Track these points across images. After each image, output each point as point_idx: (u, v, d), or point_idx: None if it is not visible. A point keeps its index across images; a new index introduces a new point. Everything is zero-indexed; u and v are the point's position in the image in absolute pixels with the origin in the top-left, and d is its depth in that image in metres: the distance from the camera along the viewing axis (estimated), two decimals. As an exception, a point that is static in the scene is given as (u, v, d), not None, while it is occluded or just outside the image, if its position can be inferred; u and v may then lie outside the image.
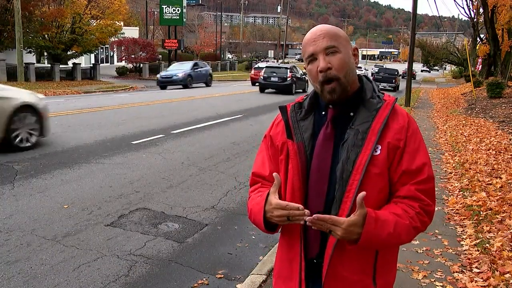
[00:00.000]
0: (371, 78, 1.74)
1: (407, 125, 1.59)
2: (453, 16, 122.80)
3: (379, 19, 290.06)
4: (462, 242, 4.88)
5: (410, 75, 21.18)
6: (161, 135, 10.80)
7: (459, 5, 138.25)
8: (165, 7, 45.64)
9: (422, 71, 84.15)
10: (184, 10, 46.79)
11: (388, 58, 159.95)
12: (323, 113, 1.67)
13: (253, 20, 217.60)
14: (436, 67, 74.95)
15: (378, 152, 1.55)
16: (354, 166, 1.54)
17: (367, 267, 1.60)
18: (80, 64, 33.61)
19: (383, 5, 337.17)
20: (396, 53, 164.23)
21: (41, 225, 5.09)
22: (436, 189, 6.41)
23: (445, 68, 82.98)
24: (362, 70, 57.21)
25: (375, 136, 1.55)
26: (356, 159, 1.54)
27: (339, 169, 1.56)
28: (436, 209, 6.08)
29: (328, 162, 1.60)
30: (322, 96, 1.64)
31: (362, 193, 1.46)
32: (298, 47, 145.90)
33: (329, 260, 1.58)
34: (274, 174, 1.61)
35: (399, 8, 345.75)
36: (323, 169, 1.60)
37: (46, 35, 31.94)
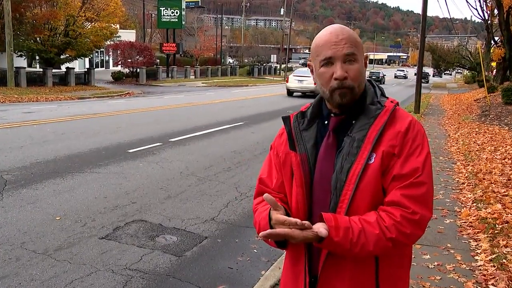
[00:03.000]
0: (373, 81, 1.75)
1: (405, 130, 1.58)
2: (465, 18, 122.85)
3: (387, 21, 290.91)
4: (476, 257, 4.84)
5: (420, 80, 21.18)
6: (158, 143, 10.81)
7: (472, 6, 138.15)
8: (163, 10, 45.87)
9: (433, 76, 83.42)
10: (183, 13, 47.01)
11: (397, 62, 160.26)
12: (326, 122, 1.70)
13: (255, 23, 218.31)
14: (449, 71, 74.80)
15: (372, 160, 1.56)
16: (348, 175, 1.56)
17: (368, 283, 1.60)
18: (74, 68, 33.68)
19: (391, 7, 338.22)
20: (405, 57, 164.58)
21: (31, 238, 5.08)
22: (447, 200, 6.35)
23: (457, 73, 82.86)
24: None
25: (370, 145, 1.56)
26: (350, 168, 1.56)
27: (333, 179, 1.59)
28: (447, 221, 6.03)
29: (330, 172, 1.62)
30: (331, 100, 1.65)
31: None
32: (302, 51, 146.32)
33: (321, 271, 1.61)
34: (265, 195, 1.58)
35: (408, 10, 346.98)
36: (326, 179, 1.62)
37: (38, 38, 31.94)
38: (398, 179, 1.54)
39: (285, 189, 1.74)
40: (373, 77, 53.93)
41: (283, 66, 65.31)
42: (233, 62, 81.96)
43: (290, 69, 75.16)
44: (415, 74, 22.62)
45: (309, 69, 1.75)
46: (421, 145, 1.59)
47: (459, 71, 72.11)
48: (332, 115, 1.68)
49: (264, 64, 70.09)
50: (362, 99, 1.65)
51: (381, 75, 57.99)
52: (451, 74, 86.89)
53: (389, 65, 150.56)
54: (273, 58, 62.19)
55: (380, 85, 1.76)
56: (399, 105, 1.71)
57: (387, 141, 1.57)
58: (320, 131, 1.70)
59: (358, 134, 1.59)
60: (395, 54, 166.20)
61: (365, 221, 1.53)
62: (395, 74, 72.10)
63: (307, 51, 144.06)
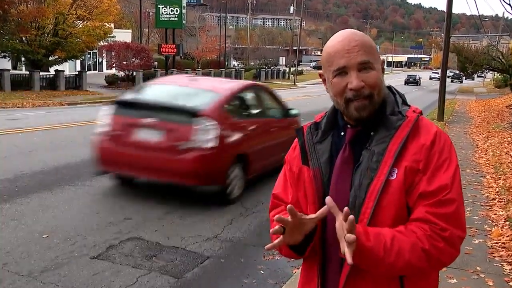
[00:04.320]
0: (394, 88, 1.74)
1: (431, 143, 1.58)
2: (496, 15, 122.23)
3: (407, 20, 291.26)
4: (511, 283, 4.78)
5: (444, 84, 21.14)
6: (156, 154, 10.80)
7: (504, 1, 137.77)
8: (162, 7, 46.13)
9: (452, 80, 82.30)
10: (184, 11, 47.24)
11: (418, 65, 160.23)
12: (342, 133, 1.70)
13: (261, 22, 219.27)
14: (479, 74, 74.65)
15: (394, 176, 1.56)
16: (367, 192, 1.56)
17: None
18: (63, 71, 33.79)
19: (412, 4, 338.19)
20: (427, 59, 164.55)
21: (14, 258, 5.08)
22: (475, 217, 6.29)
23: (480, 76, 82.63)
24: None
25: (391, 159, 1.56)
26: (369, 184, 1.57)
27: (351, 196, 1.60)
28: (476, 241, 5.97)
29: (346, 189, 1.62)
30: (346, 113, 1.65)
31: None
32: (313, 53, 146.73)
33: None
34: (276, 216, 1.56)
35: (430, 7, 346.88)
36: (341, 197, 1.62)
37: (24, 38, 31.99)
38: (424, 197, 1.54)
39: (302, 206, 1.75)
40: (410, 79, 64.41)
41: (292, 69, 65.48)
42: (238, 65, 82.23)
43: (300, 73, 75.41)
44: (431, 78, 22.63)
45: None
46: (449, 159, 1.58)
47: (484, 74, 72.01)
48: (348, 126, 1.68)
49: (272, 67, 70.26)
50: (381, 108, 1.65)
51: (417, 77, 66.11)
52: (483, 77, 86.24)
53: (409, 68, 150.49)
54: (282, 60, 62.31)
55: (401, 92, 1.75)
56: (423, 114, 1.70)
57: (410, 155, 1.57)
58: (335, 143, 1.71)
59: (378, 148, 1.59)
60: (416, 56, 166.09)
61: (395, 229, 1.53)
62: (405, 79, 67.14)
63: (318, 53, 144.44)
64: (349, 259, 1.41)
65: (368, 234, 1.49)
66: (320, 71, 1.73)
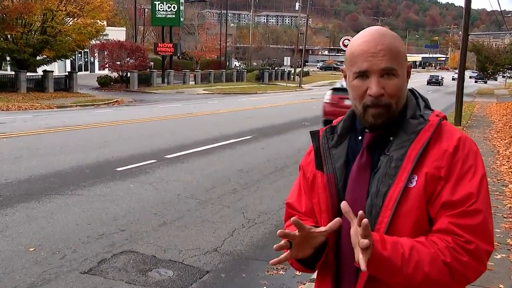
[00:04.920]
0: (417, 91, 1.74)
1: (454, 149, 1.57)
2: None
3: (421, 17, 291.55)
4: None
5: (461, 86, 21.11)
6: (152, 161, 10.83)
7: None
8: (158, 4, 46.37)
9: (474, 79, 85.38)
10: (182, 8, 47.47)
11: (433, 65, 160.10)
12: (359, 138, 1.70)
13: (265, 20, 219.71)
14: (503, 75, 74.64)
15: (413, 183, 1.55)
16: (385, 200, 1.56)
17: None
18: (52, 72, 33.91)
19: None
20: (443, 59, 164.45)
21: None
22: (497, 230, 6.26)
23: (505, 76, 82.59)
24: None
25: (411, 165, 1.55)
26: (387, 192, 1.57)
27: (368, 204, 1.60)
28: (498, 256, 5.94)
29: (363, 196, 1.62)
30: (362, 119, 1.66)
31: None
32: (320, 53, 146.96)
33: None
34: (293, 218, 1.54)
35: (447, 2, 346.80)
36: (357, 204, 1.61)
37: (9, 36, 31.95)
38: (448, 207, 1.53)
39: (316, 216, 1.75)
40: (432, 80, 69.76)
41: (298, 70, 65.52)
42: (239, 65, 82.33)
43: (306, 74, 75.45)
44: (454, 79, 22.74)
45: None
46: (474, 166, 1.57)
47: (507, 75, 71.88)
48: (366, 130, 1.68)
49: (276, 68, 70.31)
50: (402, 112, 1.66)
51: (440, 77, 71.08)
52: (510, 78, 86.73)
53: (424, 68, 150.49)
54: (287, 61, 62.24)
55: (424, 96, 1.75)
56: (446, 118, 1.69)
57: (431, 161, 1.56)
58: (351, 148, 1.71)
59: (397, 153, 1.59)
60: (431, 55, 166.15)
61: (415, 240, 1.52)
62: (428, 80, 72.34)
63: (326, 52, 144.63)
64: (362, 266, 1.40)
65: (385, 243, 1.48)
66: (343, 67, 1.74)
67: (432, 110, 1.70)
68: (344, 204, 1.49)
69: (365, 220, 1.40)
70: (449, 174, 1.55)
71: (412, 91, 1.74)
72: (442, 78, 72.13)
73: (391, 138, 1.63)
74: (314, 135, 1.81)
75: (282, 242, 1.55)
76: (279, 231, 1.52)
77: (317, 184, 1.74)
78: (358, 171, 1.66)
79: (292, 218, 1.52)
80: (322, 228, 1.57)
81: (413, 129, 1.61)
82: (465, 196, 1.52)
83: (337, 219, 1.54)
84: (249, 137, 14.97)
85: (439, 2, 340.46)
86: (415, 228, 1.55)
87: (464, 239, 1.50)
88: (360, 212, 1.43)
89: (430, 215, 1.56)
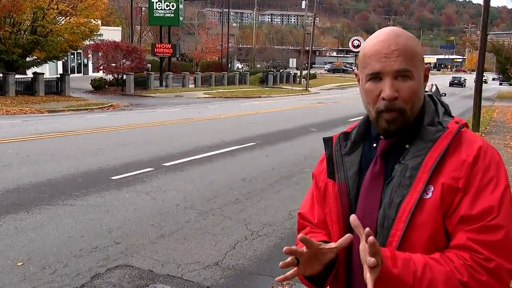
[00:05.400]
0: (437, 97, 1.73)
1: (474, 159, 1.55)
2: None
3: (436, 15, 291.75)
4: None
5: (479, 89, 21.08)
6: (149, 169, 10.84)
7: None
8: (156, 2, 46.50)
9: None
10: (181, 6, 47.63)
11: (449, 67, 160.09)
12: (374, 145, 1.70)
13: (269, 19, 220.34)
14: None
15: (429, 195, 1.54)
16: (398, 212, 1.56)
17: None
18: (43, 74, 33.93)
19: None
20: (460, 60, 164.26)
21: (-12, 287, 5.07)
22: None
23: None
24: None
25: (427, 175, 1.55)
26: (400, 203, 1.56)
27: (380, 215, 1.59)
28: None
29: (375, 207, 1.62)
30: (376, 124, 1.67)
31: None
32: (328, 54, 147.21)
33: None
34: (300, 236, 1.55)
35: (464, 0, 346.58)
36: (369, 216, 1.62)
37: (-4, 36, 32.06)
38: (466, 221, 1.51)
39: (329, 227, 1.76)
40: (455, 81, 73.86)
41: (304, 72, 65.54)
42: (242, 67, 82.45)
43: (313, 77, 75.48)
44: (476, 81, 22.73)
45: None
46: (496, 178, 1.55)
47: None
48: (381, 137, 1.68)
49: (281, 70, 70.35)
50: (419, 118, 1.65)
51: (462, 79, 75.81)
52: None
53: (439, 70, 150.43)
54: (292, 62, 62.18)
55: (445, 102, 1.74)
56: (468, 126, 1.68)
57: (449, 171, 1.55)
58: (365, 156, 1.72)
59: (412, 162, 1.58)
60: (447, 56, 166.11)
61: (428, 256, 1.50)
62: (450, 81, 76.14)
63: (334, 53, 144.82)
64: (369, 285, 1.40)
65: (396, 260, 1.47)
66: (356, 70, 1.75)
67: (452, 116, 1.69)
68: (353, 218, 1.48)
69: (371, 238, 1.39)
70: (468, 186, 1.53)
71: (431, 96, 1.73)
72: (465, 79, 75.79)
73: (406, 146, 1.63)
74: (327, 141, 1.82)
75: (289, 259, 1.55)
76: (285, 248, 1.52)
77: (329, 193, 1.75)
78: (371, 180, 1.66)
79: (299, 236, 1.52)
80: (332, 245, 1.57)
81: (430, 137, 1.60)
82: (486, 209, 1.50)
83: (348, 235, 1.54)
84: (252, 143, 14.97)
85: (456, 0, 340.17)
86: (430, 242, 1.54)
87: (484, 256, 1.47)
88: (367, 229, 1.42)
89: (447, 230, 1.54)
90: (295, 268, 1.56)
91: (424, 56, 1.66)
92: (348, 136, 1.78)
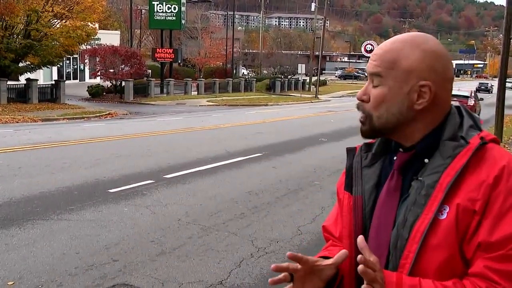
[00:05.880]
0: (466, 109, 1.69)
1: (495, 179, 1.50)
2: None
3: (455, 18, 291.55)
4: None
5: (502, 97, 20.99)
6: (149, 181, 10.85)
7: None
8: (157, 4, 46.71)
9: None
10: (183, 9, 47.83)
11: (469, 73, 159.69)
12: (395, 158, 1.71)
13: (276, 23, 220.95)
14: None
15: (444, 215, 1.52)
16: (411, 232, 1.55)
17: None
18: (37, 80, 34.09)
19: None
20: (481, 65, 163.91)
21: (-23, 307, 5.07)
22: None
23: None
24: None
25: (442, 194, 1.53)
26: (414, 222, 1.55)
27: (393, 235, 1.60)
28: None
29: (390, 225, 1.62)
30: None
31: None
32: (339, 59, 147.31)
33: None
34: (288, 253, 1.58)
35: (485, 1, 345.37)
36: (383, 232, 1.63)
37: (-13, 40, 32.10)
38: (484, 249, 1.48)
39: None
40: (482, 87, 75.13)
41: (314, 79, 65.62)
42: (248, 73, 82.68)
43: (324, 83, 75.55)
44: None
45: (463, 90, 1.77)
46: None
47: None
48: (400, 149, 1.68)
49: (289, 77, 70.54)
50: (439, 131, 1.63)
51: (489, 85, 79.06)
52: None
53: (458, 77, 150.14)
54: (301, 68, 62.37)
55: (475, 114, 1.71)
56: (497, 141, 1.64)
57: (465, 192, 1.52)
58: (385, 169, 1.72)
59: (429, 179, 1.57)
60: (466, 62, 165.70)
61: (440, 283, 1.50)
62: (477, 87, 76.15)
63: (345, 59, 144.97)
64: None
65: (401, 286, 1.47)
66: None
67: (480, 130, 1.64)
68: (360, 240, 1.49)
69: (360, 267, 1.42)
70: (487, 210, 1.49)
71: (459, 108, 1.70)
72: (492, 86, 76.94)
73: (426, 161, 1.61)
74: (350, 152, 1.84)
75: (281, 275, 1.57)
76: (272, 265, 1.55)
77: (344, 206, 1.76)
78: (386, 195, 1.66)
79: (287, 253, 1.55)
80: (329, 261, 1.59)
81: (449, 153, 1.58)
82: (506, 237, 1.47)
83: (343, 251, 1.56)
84: (258, 154, 14.96)
85: (476, 1, 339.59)
86: (445, 267, 1.52)
87: (501, 287, 1.46)
88: (359, 256, 1.44)
89: (465, 256, 1.52)
90: (290, 285, 1.59)
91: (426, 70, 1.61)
92: (370, 147, 1.78)
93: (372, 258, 1.46)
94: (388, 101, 1.63)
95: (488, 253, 1.47)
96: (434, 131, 1.63)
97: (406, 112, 1.63)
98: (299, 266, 1.55)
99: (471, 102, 32.36)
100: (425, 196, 1.55)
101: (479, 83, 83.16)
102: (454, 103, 1.69)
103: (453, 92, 18.08)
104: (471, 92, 34.56)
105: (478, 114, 34.26)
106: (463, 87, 37.06)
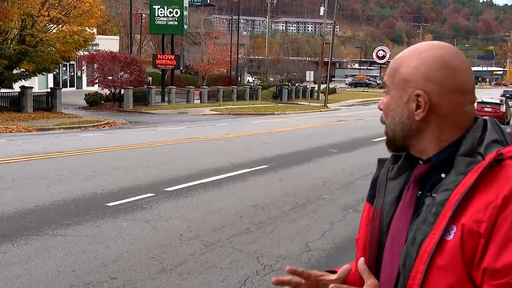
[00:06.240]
0: (495, 122, 1.65)
1: (504, 200, 1.46)
2: None
3: (473, 22, 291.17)
4: None
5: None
6: (150, 194, 10.85)
7: None
8: (158, 9, 46.81)
9: None
10: (185, 13, 47.94)
11: (487, 80, 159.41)
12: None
13: (283, 28, 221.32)
14: None
15: (451, 236, 1.50)
16: (419, 252, 1.55)
17: None
18: (31, 88, 34.14)
19: (480, 1, 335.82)
20: (500, 72, 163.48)
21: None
22: None
23: None
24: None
25: (450, 212, 1.51)
26: (422, 242, 1.55)
27: (403, 254, 1.60)
28: None
29: (402, 241, 1.62)
30: None
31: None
32: (350, 66, 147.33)
33: None
34: (287, 267, 1.65)
35: (505, 4, 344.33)
36: (396, 249, 1.63)
37: (-20, 46, 32.15)
38: (490, 275, 1.45)
39: None
40: (506, 95, 70.11)
41: (323, 86, 65.65)
42: (253, 81, 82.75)
43: (333, 91, 75.53)
44: None
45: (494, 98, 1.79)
46: None
47: None
48: (420, 161, 1.68)
49: (297, 85, 70.59)
50: (456, 145, 1.61)
51: None
52: None
53: (476, 84, 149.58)
54: (309, 75, 62.22)
55: (507, 129, 1.65)
56: None
57: (472, 212, 1.49)
58: (408, 182, 1.73)
59: (440, 196, 1.56)
60: (485, 69, 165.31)
61: None
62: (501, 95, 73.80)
63: (356, 65, 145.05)
64: None
65: None
66: None
67: (505, 145, 1.59)
68: (360, 262, 1.56)
69: None
70: (493, 233, 1.46)
71: (485, 121, 1.65)
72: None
73: (442, 176, 1.60)
74: (380, 162, 1.85)
75: None
76: (273, 278, 1.60)
77: (363, 217, 1.80)
78: (401, 209, 1.67)
79: (286, 268, 1.60)
80: (333, 276, 1.62)
81: (462, 169, 1.55)
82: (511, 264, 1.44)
83: (347, 266, 1.59)
84: (264, 166, 14.96)
85: (495, 5, 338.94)
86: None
87: None
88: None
89: (473, 279, 1.49)
90: None
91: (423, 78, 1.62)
92: (397, 159, 1.79)
93: (369, 282, 1.50)
94: (392, 110, 1.68)
95: (493, 280, 1.44)
96: (451, 145, 1.62)
97: (408, 122, 1.65)
98: (302, 280, 1.57)
99: (502, 109, 34.68)
100: (435, 214, 1.54)
101: (504, 90, 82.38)
102: (485, 112, 1.71)
103: (486, 100, 24.62)
104: (502, 100, 37.88)
105: (509, 122, 34.65)
106: (493, 94, 40.10)
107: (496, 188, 1.48)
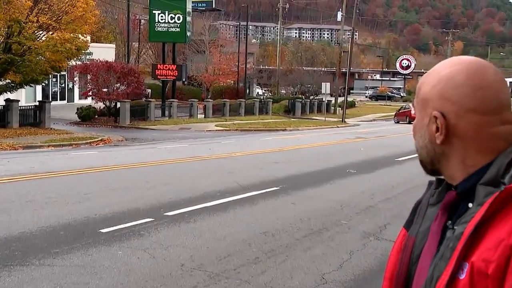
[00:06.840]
0: None
1: None
2: None
3: (509, 28, 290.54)
4: None
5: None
6: (148, 219, 10.84)
7: None
8: (158, 14, 47.05)
9: None
10: (188, 19, 48.16)
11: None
12: None
13: (297, 35, 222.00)
14: None
15: (463, 275, 1.48)
16: None
17: None
18: (18, 101, 34.34)
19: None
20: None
21: None
22: None
23: None
24: None
25: (461, 247, 1.51)
26: (437, 279, 1.55)
27: None
28: None
29: (426, 274, 1.63)
30: None
31: None
32: (370, 77, 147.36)
33: None
34: None
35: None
36: (422, 279, 1.63)
37: (-39, 55, 32.28)
38: None
39: None
40: None
41: (340, 100, 65.71)
42: (263, 93, 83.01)
43: (352, 105, 75.61)
44: None
45: None
46: None
47: None
48: (452, 188, 1.66)
49: (312, 98, 70.78)
50: (484, 171, 1.58)
51: None
52: None
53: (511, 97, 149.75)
54: (325, 87, 62.24)
55: None
56: None
57: (483, 249, 1.47)
58: None
59: (459, 229, 1.54)
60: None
61: None
62: None
63: (377, 76, 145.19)
64: None
65: None
66: None
67: None
68: None
69: None
70: (501, 276, 1.43)
71: None
72: None
73: (469, 205, 1.58)
74: (429, 185, 1.83)
75: None
76: None
77: (395, 244, 1.81)
78: (429, 240, 1.67)
79: None
80: None
81: (480, 199, 1.53)
82: None
83: None
84: (275, 188, 14.94)
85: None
86: None
87: None
88: None
89: None
90: None
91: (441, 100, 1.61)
92: (440, 183, 1.76)
93: None
94: (417, 131, 1.71)
95: None
96: (478, 172, 1.59)
97: (431, 146, 1.66)
98: None
99: None
100: (451, 249, 1.53)
101: None
102: None
103: None
104: None
105: None
106: None
107: (510, 224, 1.45)
